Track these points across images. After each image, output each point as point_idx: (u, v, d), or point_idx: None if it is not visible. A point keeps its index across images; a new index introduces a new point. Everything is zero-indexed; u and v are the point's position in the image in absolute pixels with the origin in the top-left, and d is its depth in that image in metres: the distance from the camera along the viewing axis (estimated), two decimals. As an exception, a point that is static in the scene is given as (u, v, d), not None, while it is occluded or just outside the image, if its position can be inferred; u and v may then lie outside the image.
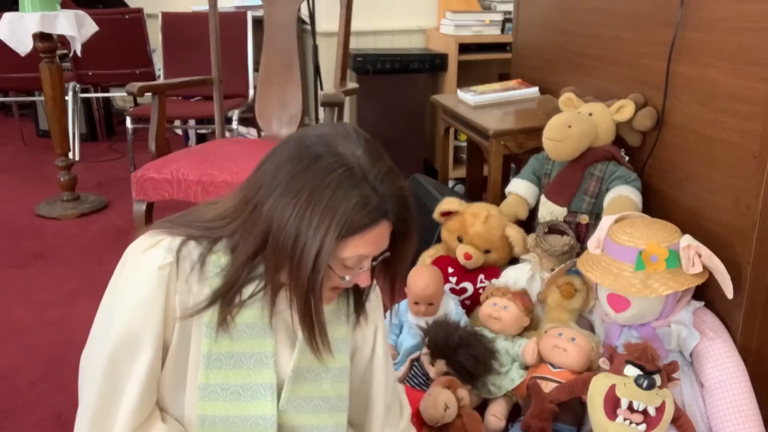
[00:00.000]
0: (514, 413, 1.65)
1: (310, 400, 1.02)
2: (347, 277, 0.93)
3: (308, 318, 0.92)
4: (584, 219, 1.87)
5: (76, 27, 2.93)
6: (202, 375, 0.96)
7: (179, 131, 4.49)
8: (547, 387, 1.55)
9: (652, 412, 1.35)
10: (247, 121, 3.61)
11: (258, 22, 3.51)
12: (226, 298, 0.94)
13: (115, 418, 0.94)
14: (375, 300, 1.11)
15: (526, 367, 1.68)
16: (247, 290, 0.96)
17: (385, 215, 0.88)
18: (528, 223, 2.05)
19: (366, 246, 0.89)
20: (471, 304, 1.97)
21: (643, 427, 1.34)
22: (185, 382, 0.98)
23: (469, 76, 3.29)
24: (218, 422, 0.97)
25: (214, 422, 0.97)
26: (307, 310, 0.92)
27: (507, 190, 2.08)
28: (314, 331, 0.94)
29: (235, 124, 3.52)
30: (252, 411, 0.98)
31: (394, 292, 1.03)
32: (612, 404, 1.39)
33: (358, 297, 1.06)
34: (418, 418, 1.49)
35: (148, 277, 0.92)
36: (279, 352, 1.01)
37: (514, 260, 1.98)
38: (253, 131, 3.84)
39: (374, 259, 0.93)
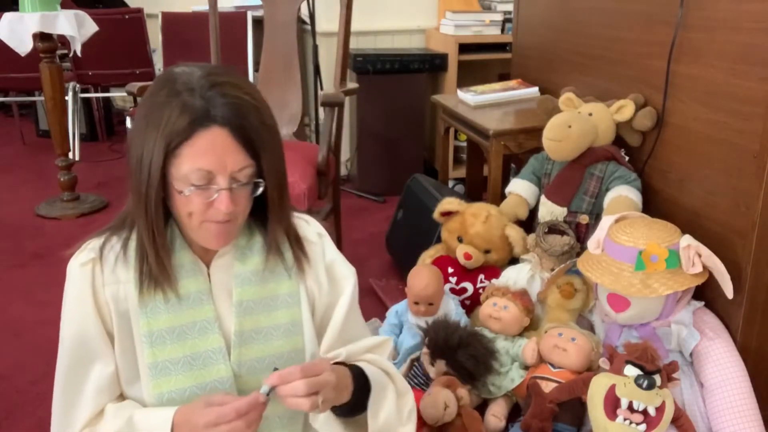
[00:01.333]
0: (514, 413, 1.65)
1: (262, 360, 1.02)
2: (199, 200, 0.91)
3: (151, 242, 0.94)
4: (584, 219, 1.87)
5: (76, 27, 2.94)
6: (148, 354, 0.97)
7: (179, 131, 4.49)
8: (547, 387, 1.55)
9: (652, 412, 1.35)
10: (247, 121, 3.61)
11: (258, 22, 3.51)
12: (144, 270, 0.97)
13: (75, 418, 0.98)
14: (317, 244, 1.08)
15: (526, 367, 1.68)
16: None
17: (213, 120, 0.88)
18: (528, 223, 2.05)
19: (202, 156, 0.88)
20: (471, 304, 1.97)
21: (643, 427, 1.34)
22: (138, 372, 0.99)
23: (469, 76, 3.29)
24: (176, 396, 0.97)
25: (171, 397, 0.97)
26: (149, 234, 0.93)
27: (507, 190, 2.08)
28: (156, 256, 0.95)
29: (235, 124, 3.51)
30: (207, 377, 0.99)
31: (285, 213, 1.02)
32: (612, 404, 1.39)
33: (295, 248, 1.05)
34: (418, 417, 1.49)
35: (74, 277, 0.99)
36: (222, 316, 1.01)
37: (514, 260, 1.98)
38: (253, 131, 3.83)
39: (234, 181, 0.91)
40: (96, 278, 0.98)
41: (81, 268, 0.98)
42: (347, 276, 1.09)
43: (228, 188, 0.91)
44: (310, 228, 1.10)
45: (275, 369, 0.89)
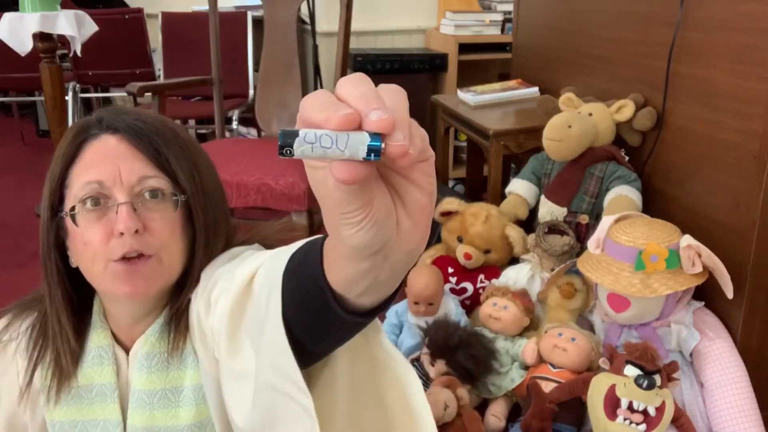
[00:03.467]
0: (514, 413, 1.64)
1: None
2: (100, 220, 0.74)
3: (52, 316, 0.78)
4: (584, 219, 1.87)
5: (76, 27, 2.93)
6: None
7: (179, 131, 4.48)
8: (547, 387, 1.55)
9: (652, 412, 1.35)
10: (247, 121, 3.61)
11: (258, 22, 3.50)
12: (36, 353, 0.82)
13: None
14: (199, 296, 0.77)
15: (526, 367, 1.68)
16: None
17: (102, 128, 0.76)
18: (528, 223, 2.05)
19: (90, 168, 0.74)
20: (471, 304, 1.97)
21: (643, 427, 1.34)
22: None
23: (469, 76, 3.29)
24: None
25: None
26: (50, 306, 0.78)
27: (507, 190, 2.08)
28: (53, 335, 0.79)
29: (235, 124, 3.52)
30: None
31: (218, 234, 0.80)
32: (612, 404, 1.39)
33: (173, 306, 0.81)
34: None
35: None
36: (132, 415, 0.81)
37: (514, 260, 1.98)
38: (253, 131, 3.84)
39: (137, 197, 0.74)
40: (6, 362, 0.85)
41: None
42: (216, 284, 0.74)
43: (127, 202, 0.73)
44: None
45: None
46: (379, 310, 0.50)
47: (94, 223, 0.73)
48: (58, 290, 0.79)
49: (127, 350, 0.83)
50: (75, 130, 0.77)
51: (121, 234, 0.72)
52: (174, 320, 0.79)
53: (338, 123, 0.36)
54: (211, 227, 0.79)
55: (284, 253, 0.55)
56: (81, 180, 0.74)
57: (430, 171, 0.41)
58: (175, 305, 0.79)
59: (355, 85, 0.38)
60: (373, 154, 0.36)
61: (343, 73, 2.37)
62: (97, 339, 0.82)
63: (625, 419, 1.36)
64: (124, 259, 0.73)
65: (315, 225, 2.08)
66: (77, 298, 0.82)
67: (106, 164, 0.74)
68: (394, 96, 0.39)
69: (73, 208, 0.74)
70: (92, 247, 0.74)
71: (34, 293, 0.87)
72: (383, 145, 0.36)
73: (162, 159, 0.76)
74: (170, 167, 0.76)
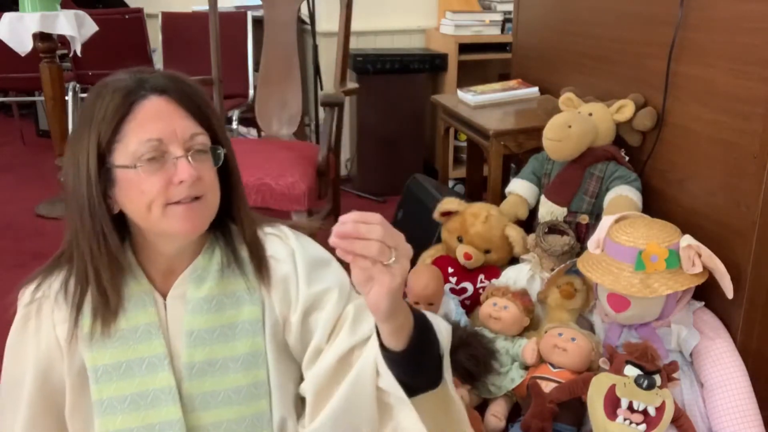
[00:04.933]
0: (514, 413, 1.64)
1: (216, 394, 0.94)
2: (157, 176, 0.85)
3: (95, 262, 0.87)
4: (584, 219, 1.87)
5: (76, 27, 2.94)
6: (94, 391, 0.92)
7: (179, 131, 4.48)
8: (547, 387, 1.55)
9: (652, 412, 1.35)
10: (247, 121, 3.61)
11: (258, 22, 3.50)
12: (84, 300, 0.91)
13: None
14: (286, 262, 0.97)
15: (526, 367, 1.68)
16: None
17: (148, 90, 0.85)
18: (528, 223, 2.05)
19: (147, 126, 0.84)
20: (471, 304, 1.97)
21: (643, 427, 1.34)
22: (92, 413, 0.93)
23: (469, 76, 3.29)
24: None
25: None
26: (94, 251, 0.86)
27: (507, 190, 2.08)
28: (99, 282, 0.88)
29: (235, 124, 3.52)
30: (155, 418, 0.92)
31: (241, 186, 0.95)
32: (612, 404, 1.39)
33: (258, 265, 0.96)
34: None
35: (18, 318, 0.95)
36: (177, 351, 0.93)
37: (514, 260, 1.98)
38: (253, 131, 3.84)
39: (190, 150, 0.86)
40: (40, 321, 0.93)
41: (24, 309, 0.94)
42: (328, 288, 0.97)
43: (184, 155, 0.85)
44: (283, 245, 0.99)
45: None
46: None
47: (153, 174, 0.84)
48: (100, 235, 0.87)
49: (163, 294, 0.94)
50: (122, 92, 0.85)
51: (180, 182, 0.85)
52: (226, 267, 0.94)
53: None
54: (238, 179, 0.95)
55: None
56: (139, 137, 0.84)
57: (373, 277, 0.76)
58: (227, 253, 0.95)
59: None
60: None
61: (344, 73, 2.37)
62: (135, 285, 0.92)
63: (625, 419, 1.36)
64: (179, 203, 0.86)
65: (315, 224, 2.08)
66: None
67: (162, 123, 0.84)
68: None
69: (133, 163, 0.84)
70: (150, 194, 0.84)
71: (55, 255, 0.95)
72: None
73: (203, 117, 0.88)
74: (210, 124, 0.89)
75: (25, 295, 0.95)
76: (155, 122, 0.84)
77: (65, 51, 3.43)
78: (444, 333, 0.91)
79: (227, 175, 0.93)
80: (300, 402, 0.99)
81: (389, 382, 0.86)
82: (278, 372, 0.96)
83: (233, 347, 0.94)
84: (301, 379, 0.99)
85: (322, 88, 3.34)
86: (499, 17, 3.31)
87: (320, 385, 0.93)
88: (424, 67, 3.29)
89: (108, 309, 0.90)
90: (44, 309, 0.94)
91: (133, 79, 0.86)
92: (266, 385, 0.95)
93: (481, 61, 3.38)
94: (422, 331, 0.86)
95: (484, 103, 2.44)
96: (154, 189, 0.84)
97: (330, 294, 0.97)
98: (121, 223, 0.91)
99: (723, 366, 1.47)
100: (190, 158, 0.86)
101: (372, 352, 0.88)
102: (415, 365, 0.85)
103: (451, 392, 0.92)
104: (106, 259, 0.88)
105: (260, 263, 0.96)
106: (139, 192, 0.85)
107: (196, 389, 0.93)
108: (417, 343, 0.84)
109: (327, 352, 0.94)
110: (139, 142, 0.83)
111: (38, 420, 0.94)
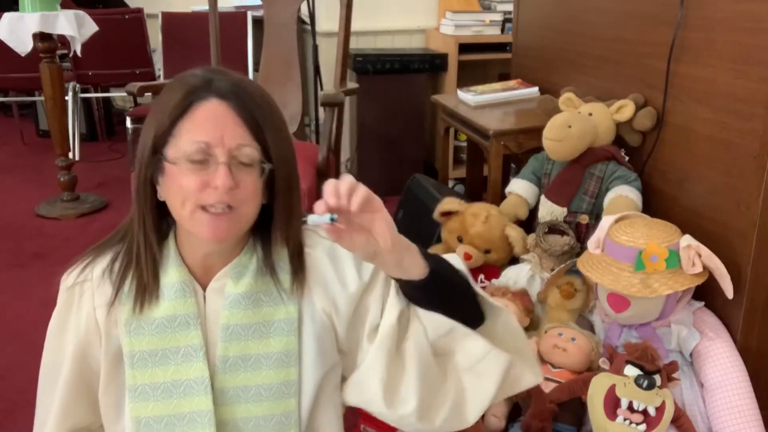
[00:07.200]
0: (514, 413, 1.64)
1: (248, 389, 0.95)
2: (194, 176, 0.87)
3: (141, 247, 0.91)
4: (584, 219, 1.87)
5: (76, 27, 2.94)
6: (129, 376, 0.94)
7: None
8: (547, 387, 1.55)
9: (652, 412, 1.35)
10: (247, 121, 3.61)
11: (258, 22, 3.51)
12: (127, 286, 0.94)
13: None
14: (322, 258, 0.98)
15: (526, 367, 1.68)
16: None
17: (211, 92, 0.87)
18: (528, 223, 2.05)
19: (199, 128, 0.86)
20: (471, 304, 1.97)
21: (643, 427, 1.34)
22: (124, 396, 0.96)
23: (469, 76, 3.29)
24: (153, 423, 0.94)
25: (149, 424, 0.94)
26: (140, 235, 0.91)
27: (507, 190, 2.08)
28: (142, 268, 0.92)
29: (235, 124, 3.51)
30: (186, 408, 0.94)
31: (293, 216, 0.94)
32: (612, 404, 1.39)
33: (294, 265, 0.96)
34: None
35: (60, 301, 0.98)
36: (213, 343, 0.95)
37: (514, 260, 1.98)
38: (253, 131, 3.84)
39: (234, 159, 0.87)
40: (83, 300, 0.96)
41: (67, 292, 0.97)
42: (375, 271, 0.98)
43: (226, 163, 0.85)
44: (320, 239, 0.99)
45: None
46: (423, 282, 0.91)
47: (193, 172, 0.86)
48: (150, 216, 0.92)
49: (203, 286, 0.96)
50: (186, 89, 0.87)
51: (216, 187, 0.86)
52: (267, 267, 0.95)
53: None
54: (287, 191, 0.93)
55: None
56: (189, 137, 0.86)
57: (372, 213, 0.84)
58: (266, 255, 0.96)
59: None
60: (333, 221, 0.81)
61: (343, 73, 2.37)
62: (176, 274, 0.94)
63: (625, 419, 1.36)
64: (208, 210, 0.87)
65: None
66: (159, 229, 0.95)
67: (213, 127, 0.86)
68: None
69: (179, 160, 0.86)
70: (186, 191, 0.86)
71: (115, 231, 0.98)
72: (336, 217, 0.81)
73: (258, 129, 0.88)
74: (263, 137, 0.89)
75: (69, 278, 0.97)
76: (207, 125, 0.86)
77: (65, 51, 3.43)
78: (458, 264, 0.97)
79: (275, 192, 0.92)
80: (333, 408, 1.03)
81: (434, 323, 0.93)
82: (311, 374, 0.98)
83: (267, 344, 0.96)
84: (342, 380, 1.01)
85: (322, 88, 3.34)
86: (499, 17, 3.31)
87: (389, 348, 0.94)
88: (424, 67, 3.29)
89: (145, 291, 0.93)
90: (86, 292, 0.96)
91: (201, 78, 0.88)
92: (296, 385, 0.97)
93: (481, 61, 3.38)
94: (428, 255, 0.92)
95: (484, 103, 2.44)
96: (191, 187, 0.86)
97: (378, 275, 0.99)
98: (168, 214, 0.94)
99: (723, 366, 1.47)
100: (231, 167, 0.86)
101: (414, 320, 0.95)
102: (448, 286, 0.93)
103: (506, 319, 0.97)
104: (143, 239, 0.92)
105: (298, 269, 0.97)
106: (177, 186, 0.87)
107: (228, 383, 0.95)
108: (434, 260, 0.92)
109: (385, 318, 0.96)
110: (189, 141, 0.86)
111: (74, 402, 0.98)
